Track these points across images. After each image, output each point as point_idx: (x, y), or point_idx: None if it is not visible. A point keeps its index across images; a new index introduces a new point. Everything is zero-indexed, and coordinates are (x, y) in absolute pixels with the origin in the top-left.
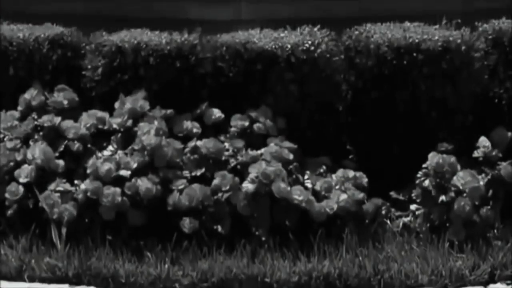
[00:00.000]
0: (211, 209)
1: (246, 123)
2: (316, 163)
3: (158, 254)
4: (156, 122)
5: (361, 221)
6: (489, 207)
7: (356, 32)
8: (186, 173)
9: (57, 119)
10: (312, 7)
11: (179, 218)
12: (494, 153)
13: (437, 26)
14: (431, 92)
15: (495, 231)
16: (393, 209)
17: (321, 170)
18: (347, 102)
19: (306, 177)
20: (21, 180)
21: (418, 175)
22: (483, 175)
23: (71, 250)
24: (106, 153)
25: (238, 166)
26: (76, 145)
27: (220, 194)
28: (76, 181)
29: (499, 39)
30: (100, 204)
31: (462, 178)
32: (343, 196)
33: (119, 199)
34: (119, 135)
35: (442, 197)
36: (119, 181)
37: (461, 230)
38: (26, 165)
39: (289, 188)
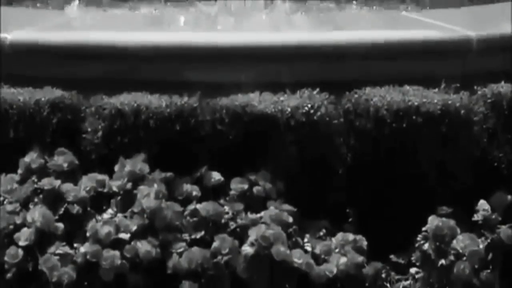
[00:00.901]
0: (210, 272)
1: (246, 186)
2: (315, 226)
3: None
4: (155, 185)
5: (361, 284)
6: (489, 270)
7: (356, 96)
8: (185, 235)
9: (57, 182)
10: (312, 70)
11: (179, 281)
12: (493, 217)
13: (436, 90)
14: (431, 155)
15: None
16: (393, 273)
17: (321, 233)
18: (346, 164)
19: (305, 240)
20: (21, 243)
21: (418, 239)
22: (483, 238)
23: None
24: (106, 216)
25: (238, 229)
26: (76, 208)
27: (219, 257)
28: (75, 244)
29: (498, 103)
30: (99, 267)
31: (461, 242)
32: (343, 260)
33: (118, 262)
34: (119, 198)
35: (442, 261)
36: (118, 244)
37: None
38: (25, 228)
39: (288, 251)
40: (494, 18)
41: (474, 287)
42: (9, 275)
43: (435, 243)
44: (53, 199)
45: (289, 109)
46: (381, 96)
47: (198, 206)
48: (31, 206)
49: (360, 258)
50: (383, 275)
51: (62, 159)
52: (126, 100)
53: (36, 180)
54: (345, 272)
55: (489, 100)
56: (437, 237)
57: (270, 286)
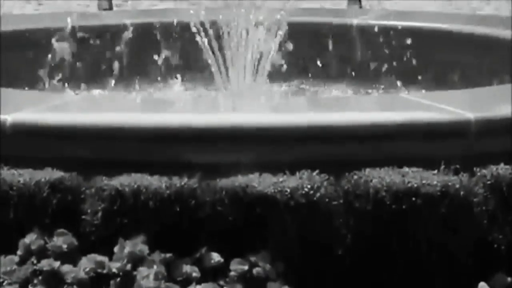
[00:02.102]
0: None
1: (246, 267)
2: None
3: None
4: (155, 267)
5: None
6: None
7: (355, 177)
8: None
9: (56, 264)
10: (312, 151)
11: None
12: None
13: (436, 171)
14: (430, 236)
15: None
16: None
17: None
18: (346, 245)
19: None
20: None
21: None
22: None
23: None
24: None
25: None
26: None
27: None
28: None
29: (497, 185)
30: None
31: None
32: None
33: None
34: (118, 279)
35: None
36: None
37: None
38: None
39: None
40: (494, 100)
41: None
42: None
43: None
44: (53, 281)
45: (288, 190)
46: (381, 178)
47: (198, 287)
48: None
49: None
50: None
51: (62, 240)
52: (126, 181)
53: (35, 261)
54: None
55: (488, 182)
56: None
57: None
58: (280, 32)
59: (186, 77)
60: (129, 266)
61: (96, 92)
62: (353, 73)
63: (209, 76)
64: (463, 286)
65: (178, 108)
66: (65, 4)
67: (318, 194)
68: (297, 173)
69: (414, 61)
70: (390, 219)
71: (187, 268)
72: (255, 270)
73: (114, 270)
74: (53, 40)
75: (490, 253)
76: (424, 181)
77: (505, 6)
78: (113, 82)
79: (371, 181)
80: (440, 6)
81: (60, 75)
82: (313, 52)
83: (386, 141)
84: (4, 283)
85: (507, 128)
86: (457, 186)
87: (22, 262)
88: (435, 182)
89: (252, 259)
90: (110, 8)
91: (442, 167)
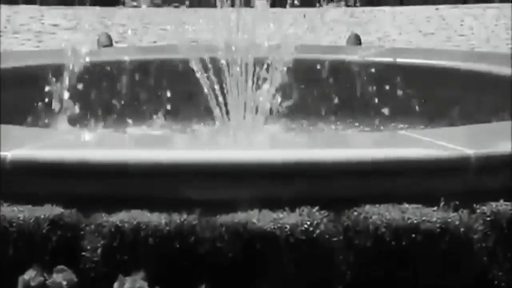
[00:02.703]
0: None
1: None
2: None
3: None
4: None
5: None
6: None
7: (355, 213)
8: None
9: None
10: (311, 187)
11: None
12: None
13: (435, 208)
14: (430, 273)
15: None
16: None
17: None
18: (346, 282)
19: None
20: None
21: None
22: None
23: None
24: None
25: None
26: None
27: None
28: None
29: (497, 221)
30: None
31: None
32: None
33: None
34: None
35: None
36: None
37: None
38: None
39: None
40: (494, 137)
41: None
42: None
43: None
44: None
45: (288, 227)
46: (380, 214)
47: None
48: None
49: None
50: None
51: (62, 276)
52: (125, 218)
53: None
54: None
55: (488, 219)
56: None
57: None
58: (280, 69)
59: (186, 114)
60: None
61: (96, 129)
62: (352, 110)
63: (208, 112)
64: None
65: (178, 144)
66: (65, 42)
67: (318, 231)
68: (297, 210)
69: (413, 98)
70: (390, 255)
71: None
72: None
73: None
74: (53, 77)
75: None
76: (424, 218)
77: (504, 45)
78: (113, 118)
79: (371, 217)
80: (439, 43)
81: (60, 112)
82: (312, 88)
83: (386, 177)
84: None
85: (506, 165)
86: (457, 222)
87: None
88: (434, 219)
89: None
90: (110, 44)
91: (442, 203)
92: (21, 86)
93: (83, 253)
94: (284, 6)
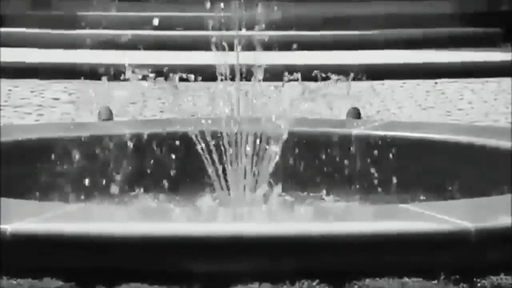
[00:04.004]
0: None
1: None
2: None
3: None
4: None
5: None
6: None
7: (355, 287)
8: None
9: None
10: (312, 261)
11: None
12: None
13: (435, 281)
14: None
15: None
16: None
17: None
18: None
19: None
20: None
21: None
22: None
23: None
24: None
25: None
26: None
27: None
28: None
29: None
30: None
31: None
32: None
33: None
34: None
35: None
36: None
37: None
38: None
39: None
40: (494, 211)
41: None
42: None
43: None
44: None
45: None
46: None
47: None
48: None
49: None
50: None
51: None
52: None
53: None
54: None
55: None
56: None
57: None
58: (280, 142)
59: (186, 186)
60: None
61: (96, 202)
62: (352, 183)
63: (208, 185)
64: None
65: (178, 217)
66: (65, 116)
67: None
68: (297, 283)
69: (413, 171)
70: None
71: None
72: None
73: None
74: (54, 150)
75: None
76: None
77: (503, 120)
78: (114, 192)
79: None
80: (439, 117)
81: (60, 185)
82: (313, 161)
83: (387, 251)
84: None
85: (506, 239)
86: None
87: None
88: None
89: None
90: (111, 118)
91: (442, 277)
92: (22, 159)
93: None
94: (283, 81)
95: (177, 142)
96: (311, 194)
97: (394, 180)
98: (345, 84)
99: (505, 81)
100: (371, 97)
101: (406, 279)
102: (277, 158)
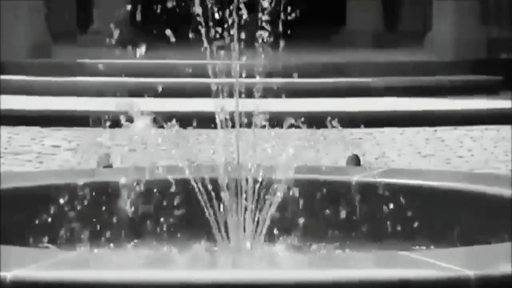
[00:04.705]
0: None
1: None
2: None
3: None
4: None
5: None
6: None
7: None
8: None
9: None
10: None
11: None
12: None
13: None
14: None
15: None
16: None
17: None
18: None
19: None
20: None
21: None
22: None
23: None
24: None
25: None
26: None
27: None
28: None
29: None
30: None
31: None
32: None
33: None
34: None
35: None
36: None
37: None
38: None
39: None
40: (494, 258)
41: None
42: None
43: None
44: None
45: None
46: None
47: None
48: None
49: None
50: None
51: None
52: None
53: None
54: None
55: None
56: None
57: None
58: (280, 190)
59: (185, 234)
60: None
61: (97, 248)
62: (352, 230)
63: (208, 233)
64: None
65: (178, 264)
66: (65, 163)
67: None
68: None
69: (413, 219)
70: None
71: None
72: None
73: None
74: (54, 197)
75: None
76: None
77: (503, 168)
78: (114, 238)
79: None
80: (438, 164)
81: (60, 231)
82: (312, 209)
83: None
84: None
85: (506, 286)
86: None
87: None
88: None
89: None
90: (110, 165)
91: None
92: (22, 206)
93: None
94: (283, 128)
95: (177, 189)
96: (310, 242)
97: (394, 227)
98: (345, 131)
99: (505, 129)
100: (370, 144)
101: None
102: (277, 205)
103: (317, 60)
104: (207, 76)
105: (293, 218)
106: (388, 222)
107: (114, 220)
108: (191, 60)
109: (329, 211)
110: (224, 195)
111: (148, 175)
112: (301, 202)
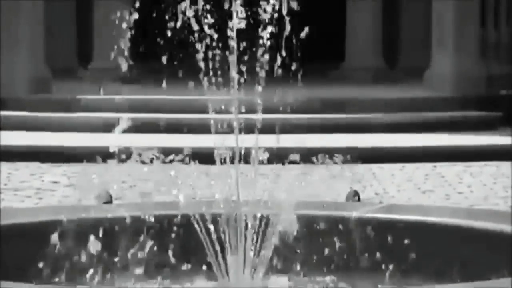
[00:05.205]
0: None
1: None
2: None
3: None
4: None
5: None
6: None
7: None
8: None
9: None
10: None
11: None
12: None
13: None
14: None
15: None
16: None
17: None
18: None
19: None
20: None
21: None
22: None
23: None
24: None
25: None
26: None
27: None
28: None
29: None
30: None
31: None
32: None
33: None
34: None
35: None
36: None
37: None
38: None
39: None
40: None
41: None
42: None
43: None
44: None
45: None
46: None
47: None
48: None
49: None
50: None
51: None
52: None
53: None
54: None
55: None
56: None
57: None
58: (279, 226)
59: (185, 271)
60: None
61: (96, 285)
62: (352, 266)
63: (207, 269)
64: None
65: None
66: (65, 199)
67: None
68: None
69: (413, 254)
70: None
71: None
72: None
73: None
74: (53, 233)
75: None
76: None
77: (502, 204)
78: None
79: None
80: (438, 200)
81: (59, 268)
82: (312, 244)
83: None
84: None
85: None
86: None
87: None
88: None
89: None
90: (110, 201)
91: None
92: (21, 242)
93: None
94: (283, 163)
95: (176, 225)
96: (310, 277)
97: (394, 263)
98: (344, 167)
99: (504, 165)
100: (370, 180)
101: None
102: (277, 241)
103: (317, 95)
104: (206, 112)
105: (292, 253)
106: (388, 258)
107: (115, 255)
108: (190, 96)
109: (328, 246)
110: (224, 231)
111: (147, 210)
112: (300, 237)
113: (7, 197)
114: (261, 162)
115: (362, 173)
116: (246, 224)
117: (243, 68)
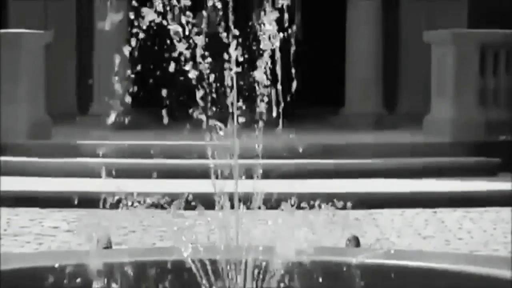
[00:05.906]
0: None
1: None
2: None
3: None
4: None
5: None
6: None
7: None
8: None
9: None
10: None
11: None
12: None
13: None
14: None
15: None
16: None
17: None
18: None
19: None
20: None
21: None
22: None
23: None
24: None
25: None
26: None
27: None
28: None
29: None
30: None
31: None
32: None
33: None
34: None
35: None
36: None
37: None
38: None
39: None
40: None
41: None
42: None
43: None
44: None
45: None
46: None
47: None
48: None
49: None
50: None
51: None
52: None
53: None
54: None
55: None
56: None
57: None
58: (278, 272)
59: None
60: None
61: None
62: None
63: None
64: None
65: None
66: (65, 244)
67: None
68: None
69: None
70: None
71: None
72: None
73: None
74: (53, 279)
75: None
76: None
77: (502, 249)
78: None
79: None
80: (438, 246)
81: None
82: None
83: None
84: None
85: None
86: None
87: None
88: None
89: None
90: (110, 246)
91: None
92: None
93: None
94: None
95: (176, 271)
96: None
97: None
98: (345, 212)
99: (504, 211)
100: (370, 226)
101: None
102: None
103: (317, 141)
104: (206, 157)
105: None
106: None
107: None
108: (189, 141)
109: None
110: (223, 277)
111: (147, 256)
112: (300, 284)
113: (6, 242)
114: (261, 208)
115: (362, 218)
116: (245, 270)
117: (242, 116)
